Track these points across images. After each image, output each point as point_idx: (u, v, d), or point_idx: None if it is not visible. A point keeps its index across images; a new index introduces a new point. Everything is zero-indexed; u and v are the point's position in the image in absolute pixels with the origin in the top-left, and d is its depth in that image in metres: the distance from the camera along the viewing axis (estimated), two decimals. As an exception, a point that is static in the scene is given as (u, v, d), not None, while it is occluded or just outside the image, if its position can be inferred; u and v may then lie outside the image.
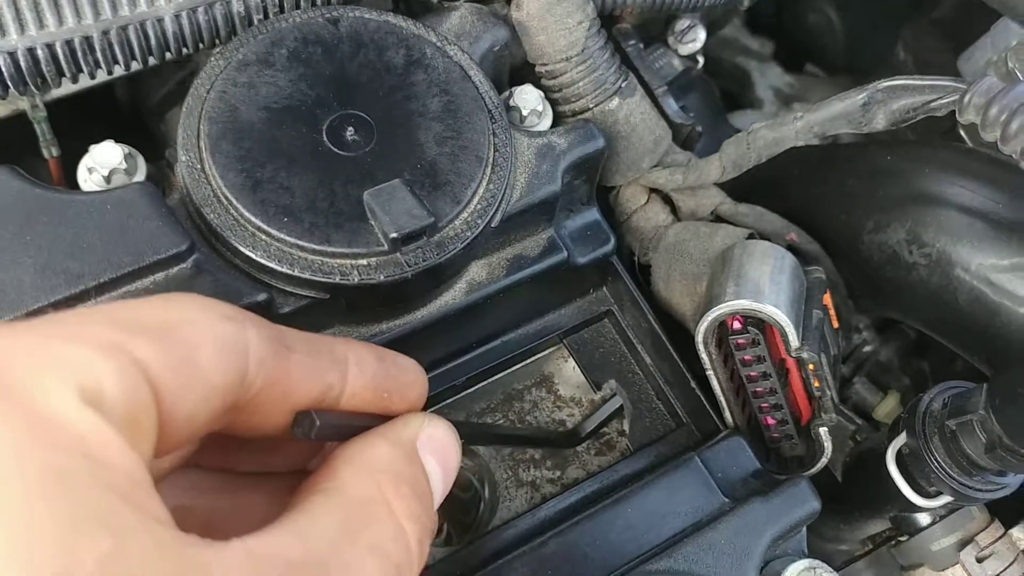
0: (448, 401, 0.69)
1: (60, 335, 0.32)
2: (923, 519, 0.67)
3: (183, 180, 0.55)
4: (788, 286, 0.62)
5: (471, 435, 0.66)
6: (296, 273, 0.54)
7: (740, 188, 0.78)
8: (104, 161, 0.59)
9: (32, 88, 0.59)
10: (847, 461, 0.71)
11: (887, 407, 0.76)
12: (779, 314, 0.59)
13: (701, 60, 0.90)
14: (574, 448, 0.70)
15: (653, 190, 0.73)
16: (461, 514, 0.81)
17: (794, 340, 0.60)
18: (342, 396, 0.41)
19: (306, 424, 0.40)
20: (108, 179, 0.59)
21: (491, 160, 0.58)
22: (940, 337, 0.73)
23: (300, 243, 0.54)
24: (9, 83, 0.58)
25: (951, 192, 0.70)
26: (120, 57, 0.58)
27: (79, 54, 0.57)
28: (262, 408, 0.39)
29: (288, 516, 0.37)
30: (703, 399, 0.66)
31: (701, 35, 0.87)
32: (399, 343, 0.60)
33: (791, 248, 0.75)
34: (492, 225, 0.58)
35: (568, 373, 0.73)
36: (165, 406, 0.33)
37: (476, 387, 0.70)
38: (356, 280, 0.54)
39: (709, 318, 0.61)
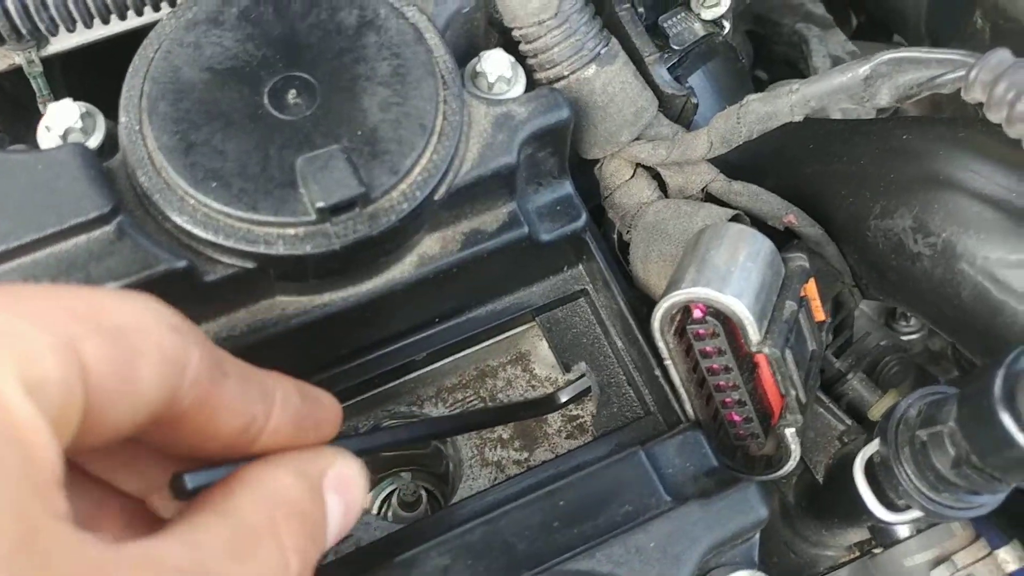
0: (409, 376, 0.67)
1: (21, 313, 0.33)
2: (901, 531, 0.62)
3: (122, 141, 0.55)
4: (756, 275, 0.57)
5: (446, 430, 0.65)
6: (220, 241, 0.52)
7: (737, 163, 0.73)
8: (59, 119, 0.59)
9: (27, 39, 0.59)
10: (830, 464, 0.66)
11: (883, 407, 0.70)
12: (738, 305, 0.55)
13: (727, 25, 0.85)
14: (546, 416, 0.68)
15: (641, 165, 0.69)
16: (439, 484, 0.80)
17: (754, 334, 0.55)
18: (264, 431, 0.41)
19: (177, 487, 0.40)
20: (64, 137, 0.59)
21: (438, 128, 0.56)
22: (944, 333, 0.68)
23: (226, 209, 0.52)
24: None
25: (963, 176, 0.64)
26: (106, 8, 0.58)
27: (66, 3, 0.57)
28: (183, 428, 0.39)
29: (179, 526, 0.37)
30: (668, 389, 0.62)
31: (725, -1, 0.82)
32: (343, 316, 0.59)
33: (789, 231, 0.70)
34: (435, 198, 0.56)
35: (545, 352, 0.70)
36: (94, 410, 0.34)
37: (442, 362, 0.68)
38: (281, 250, 0.53)
39: (664, 306, 0.57)
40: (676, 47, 0.80)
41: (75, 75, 0.71)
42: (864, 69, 0.61)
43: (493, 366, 0.71)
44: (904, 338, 1.01)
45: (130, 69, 0.56)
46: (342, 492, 0.42)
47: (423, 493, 0.77)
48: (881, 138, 0.70)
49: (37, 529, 0.30)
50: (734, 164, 0.75)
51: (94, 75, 0.66)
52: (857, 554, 0.68)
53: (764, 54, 1.24)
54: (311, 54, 0.56)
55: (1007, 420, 0.47)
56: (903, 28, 1.23)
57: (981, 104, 0.57)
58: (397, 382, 0.67)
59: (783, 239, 0.72)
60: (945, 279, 0.64)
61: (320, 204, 0.52)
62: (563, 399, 0.67)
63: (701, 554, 0.53)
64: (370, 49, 0.57)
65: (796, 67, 1.22)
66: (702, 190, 0.69)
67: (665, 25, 0.80)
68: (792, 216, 0.68)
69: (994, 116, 0.56)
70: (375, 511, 0.77)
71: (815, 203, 0.73)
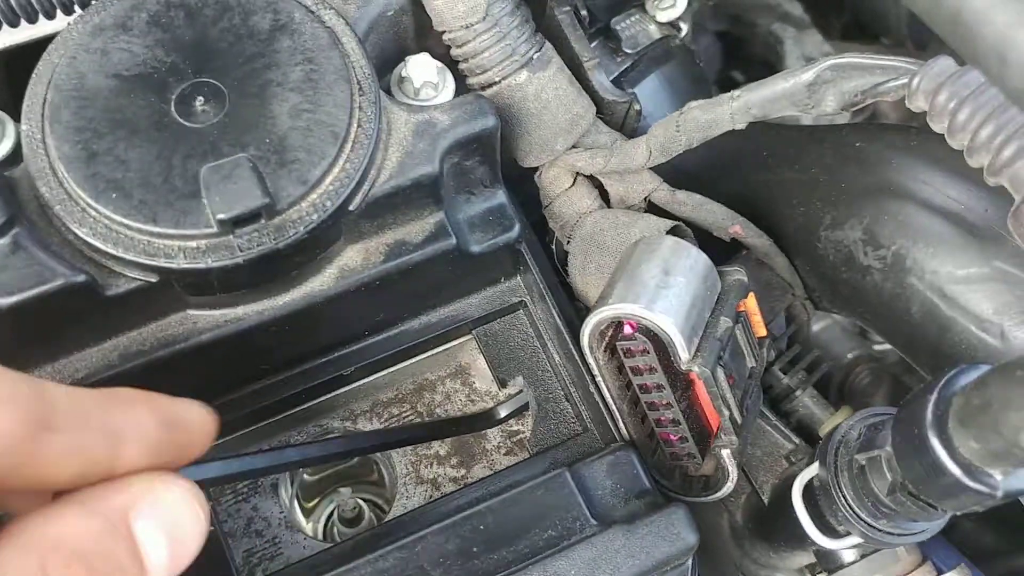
0: (342, 390, 0.65)
1: None
2: (847, 556, 0.59)
3: (24, 150, 0.53)
4: (688, 290, 0.55)
5: (381, 443, 0.62)
6: (119, 253, 0.50)
7: (691, 170, 0.71)
8: (-38, 127, 0.57)
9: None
10: (776, 484, 0.64)
11: (833, 426, 0.68)
12: (666, 322, 0.53)
13: (684, 28, 0.82)
14: (485, 432, 0.66)
15: (580, 173, 0.66)
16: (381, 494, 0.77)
17: (683, 352, 0.53)
18: (114, 469, 0.39)
19: None
20: (-29, 145, 0.57)
21: (352, 137, 0.53)
22: (897, 348, 0.65)
23: (126, 221, 0.50)
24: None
25: (914, 187, 0.62)
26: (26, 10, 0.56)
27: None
28: (8, 484, 0.36)
29: None
30: (602, 406, 0.60)
31: (681, 0, 0.79)
32: (260, 330, 0.56)
33: (735, 242, 0.68)
34: (350, 208, 0.54)
35: (485, 365, 0.68)
36: None
37: (376, 376, 0.66)
38: (183, 263, 0.50)
39: (592, 321, 0.55)
40: (628, 50, 0.78)
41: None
42: (808, 75, 0.59)
43: (431, 379, 0.69)
44: (877, 348, 0.98)
45: (34, 75, 0.54)
46: (163, 522, 0.39)
47: (363, 507, 0.74)
48: (834, 145, 0.68)
49: None
50: (688, 170, 0.72)
51: (9, 80, 0.64)
52: (808, 576, 0.65)
53: (741, 55, 1.22)
54: (221, 60, 0.54)
55: (937, 447, 0.44)
56: (885, 31, 1.21)
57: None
58: (329, 396, 0.65)
59: (732, 250, 0.70)
60: (895, 293, 0.62)
61: (221, 215, 0.49)
62: (503, 414, 0.65)
63: (623, 583, 0.51)
64: (283, 54, 0.54)
65: (773, 68, 1.19)
66: (644, 199, 0.66)
67: (618, 28, 0.78)
68: (738, 227, 0.66)
69: (937, 126, 0.53)
70: (320, 531, 0.75)
71: (767, 212, 0.71)
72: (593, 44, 0.78)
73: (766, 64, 1.19)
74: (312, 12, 0.56)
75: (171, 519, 0.39)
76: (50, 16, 0.58)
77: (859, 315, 0.66)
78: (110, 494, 0.38)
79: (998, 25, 0.31)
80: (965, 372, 0.45)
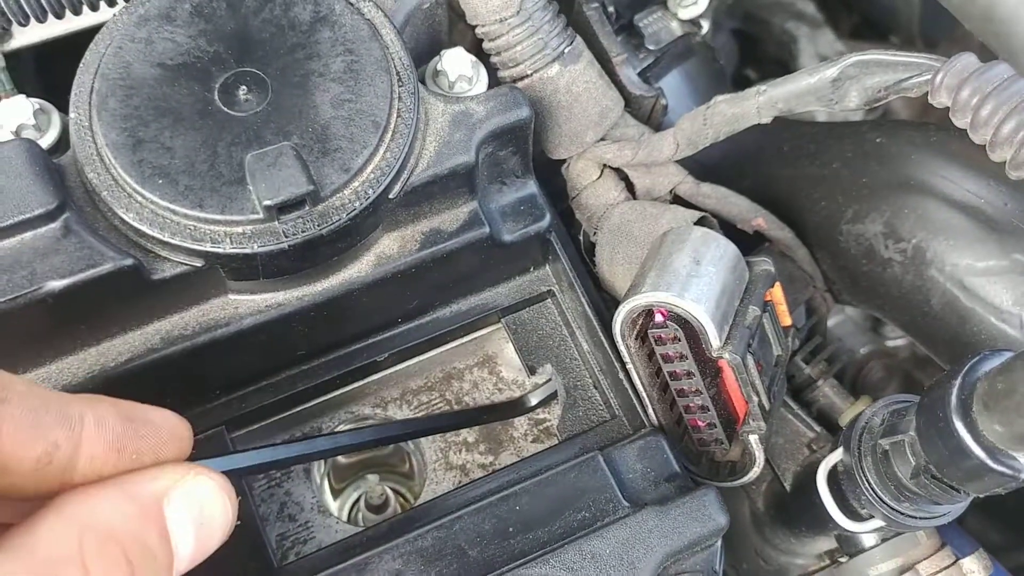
0: (373, 377, 0.66)
1: None
2: (867, 540, 0.61)
3: (72, 137, 0.54)
4: (718, 279, 0.56)
5: (412, 432, 0.63)
6: (166, 238, 0.51)
7: (713, 164, 0.72)
8: (11, 116, 0.58)
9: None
10: (798, 471, 0.65)
11: (853, 414, 0.69)
12: (698, 310, 0.54)
13: (705, 25, 0.84)
14: (512, 420, 0.67)
15: (608, 165, 0.68)
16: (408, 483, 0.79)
17: (715, 340, 0.54)
18: (77, 458, 0.39)
19: None
20: (17, 134, 0.58)
21: (392, 126, 0.55)
22: (916, 340, 0.66)
23: (172, 207, 0.51)
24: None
25: (934, 181, 0.63)
26: (28, 11, 0.57)
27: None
28: None
29: None
30: (631, 393, 0.61)
31: (703, -1, 0.81)
32: (299, 316, 0.58)
33: (759, 235, 0.69)
34: (390, 196, 0.55)
35: (511, 354, 0.69)
36: None
37: (407, 364, 0.67)
38: (228, 248, 0.52)
39: (624, 310, 0.56)
40: (651, 47, 0.79)
41: (37, 71, 0.71)
42: (832, 71, 0.60)
43: (460, 368, 0.70)
44: (890, 343, 1.00)
45: (81, 65, 0.55)
46: (193, 511, 0.40)
47: (390, 495, 0.75)
48: (854, 141, 0.69)
49: None
50: (710, 164, 0.74)
51: (56, 71, 0.65)
52: (827, 563, 0.66)
53: (754, 53, 1.23)
54: (263, 50, 0.55)
55: (962, 430, 0.45)
56: (896, 29, 1.22)
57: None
58: (360, 383, 0.66)
59: (754, 242, 0.71)
60: (915, 286, 0.63)
61: (268, 202, 0.51)
62: (532, 402, 0.66)
63: (658, 561, 0.52)
64: (323, 45, 0.56)
65: (787, 67, 1.20)
66: (670, 192, 0.67)
67: (641, 24, 0.79)
68: (761, 219, 0.67)
69: (959, 121, 0.55)
70: (345, 516, 0.76)
71: (789, 206, 0.72)
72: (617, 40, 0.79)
73: (779, 62, 1.21)
74: (351, 4, 0.57)
75: (200, 509, 0.41)
76: (94, 8, 0.60)
77: (878, 307, 0.68)
78: (145, 480, 0.40)
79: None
80: (988, 358, 0.47)
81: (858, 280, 0.67)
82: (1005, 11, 0.33)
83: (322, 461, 0.68)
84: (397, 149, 0.54)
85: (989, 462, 0.45)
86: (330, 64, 0.55)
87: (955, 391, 0.46)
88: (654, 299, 0.55)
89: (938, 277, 0.62)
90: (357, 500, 0.80)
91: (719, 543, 0.56)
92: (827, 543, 0.65)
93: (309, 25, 0.56)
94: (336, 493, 0.75)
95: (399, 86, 0.56)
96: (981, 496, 0.50)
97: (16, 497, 0.38)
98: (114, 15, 0.56)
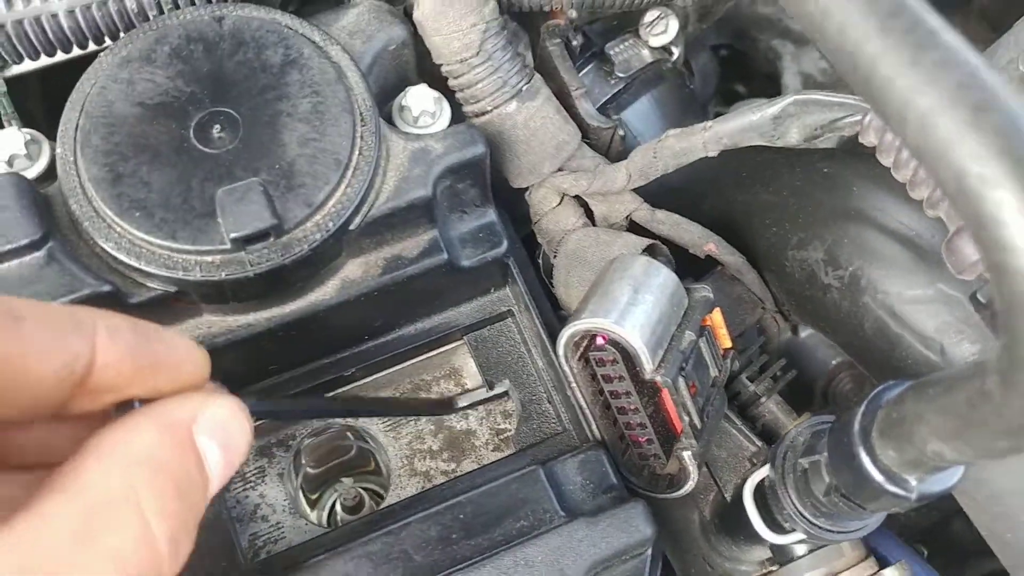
0: (344, 389, 0.71)
1: None
2: (798, 549, 0.65)
3: (59, 170, 0.59)
4: (655, 307, 0.60)
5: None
6: (142, 266, 0.56)
7: (677, 185, 0.76)
8: (3, 146, 0.63)
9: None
10: (738, 484, 0.69)
11: (794, 430, 0.73)
12: (632, 336, 0.58)
13: (676, 52, 0.87)
14: (475, 430, 0.71)
15: (567, 193, 0.72)
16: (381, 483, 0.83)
17: (647, 363, 0.58)
18: (94, 367, 0.38)
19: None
20: (10, 164, 0.63)
21: (353, 164, 0.59)
22: (856, 362, 0.70)
23: (147, 238, 0.56)
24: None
25: (872, 212, 0.67)
26: (22, 50, 0.62)
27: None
28: None
29: (20, 518, 0.34)
30: (577, 409, 0.65)
31: (672, 26, 0.84)
32: (268, 335, 0.62)
33: (710, 259, 0.73)
34: (350, 228, 0.60)
35: (475, 368, 0.73)
36: None
37: (375, 376, 0.71)
38: (198, 276, 0.56)
39: (566, 334, 0.60)
40: (621, 74, 0.83)
41: (29, 98, 0.75)
42: (774, 109, 0.64)
43: (427, 380, 0.75)
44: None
45: (68, 102, 0.60)
46: (218, 436, 0.40)
47: (364, 496, 0.80)
48: (804, 170, 0.73)
49: None
50: (674, 187, 0.78)
51: (47, 100, 0.71)
52: (765, 570, 0.70)
53: (744, 68, 1.27)
54: (237, 90, 0.60)
55: (862, 455, 0.49)
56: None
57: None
58: (331, 394, 0.71)
59: (707, 266, 0.75)
60: (851, 311, 0.67)
61: (234, 234, 0.55)
62: (460, 404, 0.70)
63: (587, 568, 0.57)
64: (292, 87, 0.60)
65: (776, 81, 1.24)
66: (626, 218, 0.71)
67: (611, 52, 0.83)
68: (712, 245, 0.71)
69: (884, 160, 0.58)
70: (324, 519, 0.81)
71: (744, 230, 0.76)
72: (588, 68, 0.83)
73: (768, 77, 1.24)
74: (320, 47, 0.62)
75: (225, 432, 0.40)
76: (83, 47, 0.64)
77: (821, 329, 0.72)
78: (174, 408, 0.39)
79: (900, 90, 0.36)
80: (890, 388, 0.50)
81: (803, 303, 0.71)
82: (880, 80, 0.36)
83: (293, 469, 0.73)
84: (358, 185, 0.59)
85: (885, 484, 0.49)
86: (298, 105, 0.60)
87: (858, 418, 0.50)
88: (592, 325, 0.59)
89: (871, 304, 0.65)
90: (334, 503, 0.85)
91: (648, 552, 0.60)
92: (764, 552, 0.68)
93: (279, 68, 0.61)
94: (313, 500, 0.80)
95: (361, 126, 0.60)
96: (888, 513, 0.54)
97: (34, 416, 0.38)
98: (100, 56, 0.61)
